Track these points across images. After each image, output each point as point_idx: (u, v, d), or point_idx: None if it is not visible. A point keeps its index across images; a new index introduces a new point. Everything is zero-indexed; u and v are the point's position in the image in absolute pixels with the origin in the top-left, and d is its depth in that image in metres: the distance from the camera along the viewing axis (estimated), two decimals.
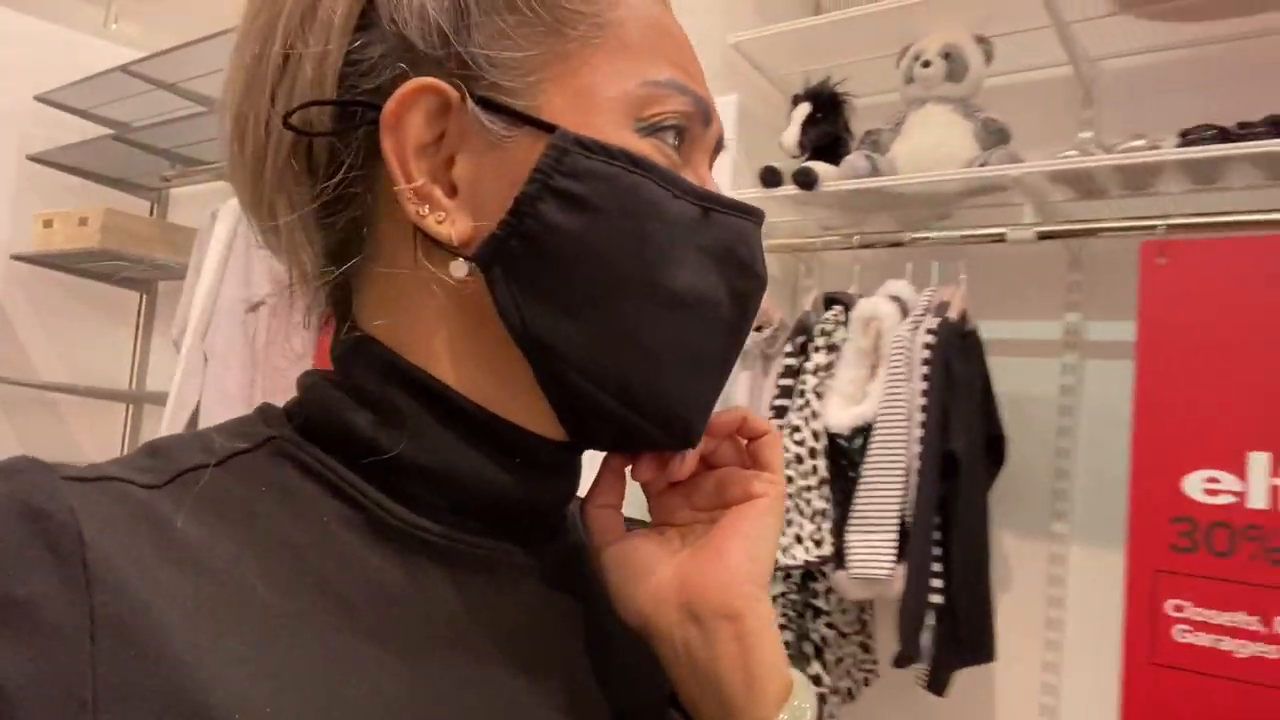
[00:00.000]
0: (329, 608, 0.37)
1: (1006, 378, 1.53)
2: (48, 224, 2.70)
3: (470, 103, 0.40)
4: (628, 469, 0.47)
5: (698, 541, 0.45)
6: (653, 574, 0.44)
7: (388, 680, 0.37)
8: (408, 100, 0.39)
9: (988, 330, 1.48)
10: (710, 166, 0.47)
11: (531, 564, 0.44)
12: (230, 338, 1.97)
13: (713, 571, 0.43)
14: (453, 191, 0.41)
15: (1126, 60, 1.56)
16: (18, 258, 2.78)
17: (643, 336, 0.40)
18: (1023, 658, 1.58)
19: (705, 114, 0.43)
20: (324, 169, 0.41)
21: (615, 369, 0.40)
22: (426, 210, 0.40)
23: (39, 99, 2.75)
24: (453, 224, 0.40)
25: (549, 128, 0.40)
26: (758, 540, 0.44)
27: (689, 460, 0.46)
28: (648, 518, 0.49)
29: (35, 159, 2.80)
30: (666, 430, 0.42)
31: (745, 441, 0.48)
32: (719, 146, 0.47)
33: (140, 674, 0.31)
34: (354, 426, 0.41)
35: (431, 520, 0.41)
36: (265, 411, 0.43)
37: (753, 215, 0.45)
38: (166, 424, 2.00)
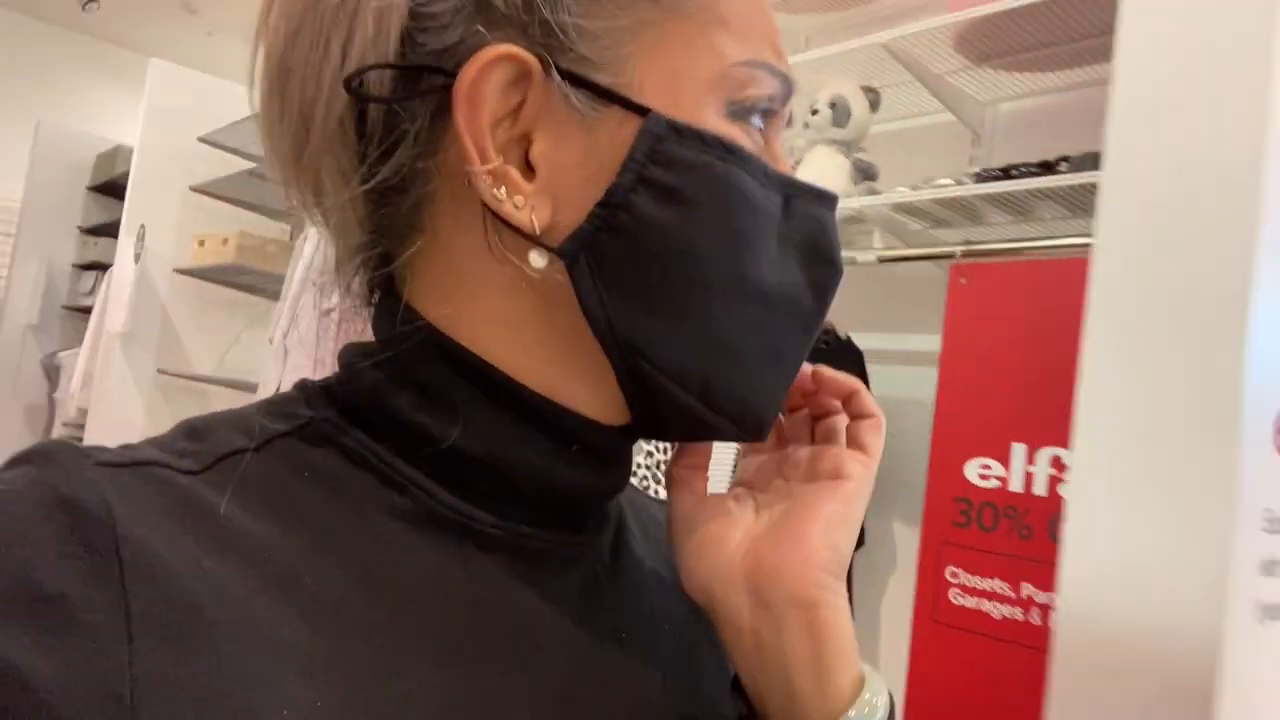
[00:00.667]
0: (377, 598, 0.35)
1: (879, 383, 1.74)
2: (201, 243, 3.32)
3: (555, 75, 0.36)
4: None
5: (775, 517, 0.43)
6: (723, 548, 0.42)
7: (439, 674, 0.35)
8: (486, 68, 0.36)
9: (863, 341, 1.71)
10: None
11: (585, 554, 0.43)
12: (306, 336, 2.43)
13: (788, 554, 0.40)
14: (530, 173, 0.37)
15: (1014, 103, 1.74)
16: (179, 271, 3.41)
17: (730, 337, 0.38)
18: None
19: (789, 95, 0.41)
20: (379, 137, 0.38)
21: (699, 369, 0.38)
22: (504, 193, 0.37)
23: (201, 140, 3.37)
24: (533, 210, 0.37)
25: (641, 110, 0.37)
26: (839, 525, 0.41)
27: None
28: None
29: (196, 189, 3.43)
30: (739, 425, 0.40)
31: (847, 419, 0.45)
32: (787, 125, 0.44)
33: (182, 669, 0.30)
34: (405, 414, 0.38)
35: (483, 509, 0.39)
36: (305, 389, 0.41)
37: (830, 201, 0.42)
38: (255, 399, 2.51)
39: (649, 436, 0.43)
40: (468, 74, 0.36)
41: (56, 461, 0.33)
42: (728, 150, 0.37)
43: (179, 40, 5.71)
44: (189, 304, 3.54)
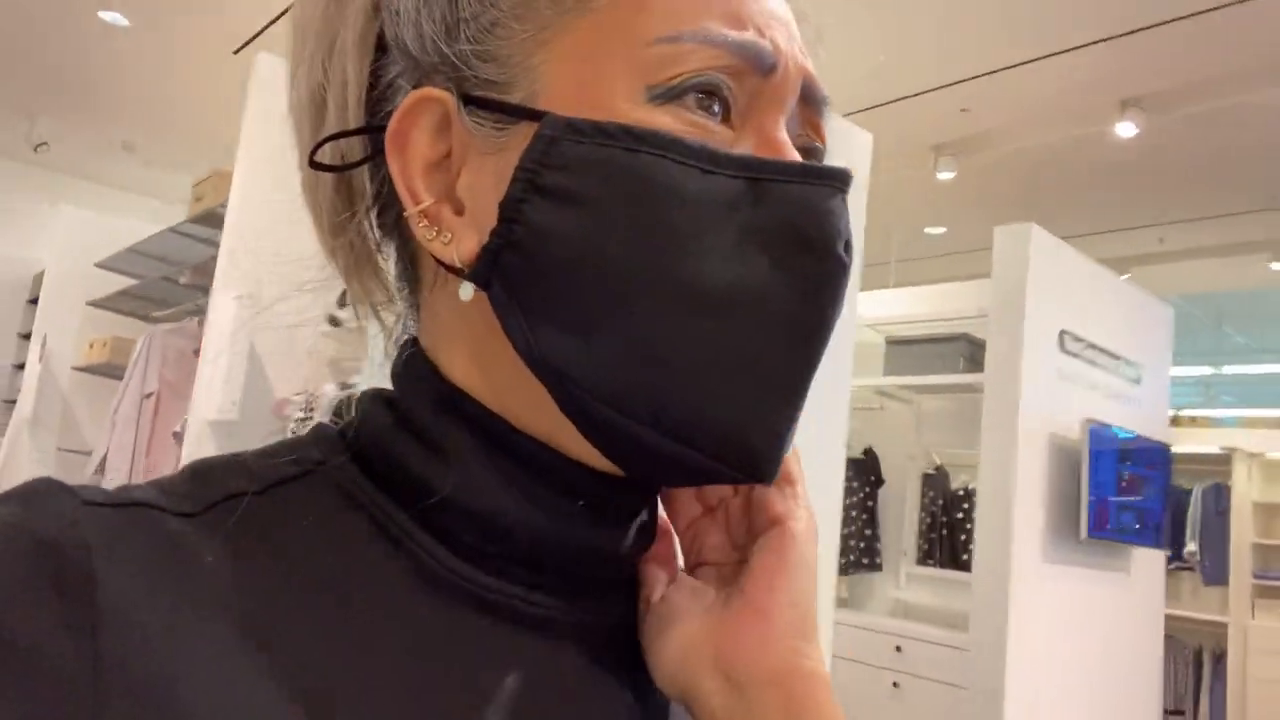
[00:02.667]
0: (361, 661, 0.34)
1: None
2: (90, 346, 4.20)
3: (464, 106, 0.36)
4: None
5: (730, 588, 0.39)
6: (686, 633, 0.38)
7: None
8: (408, 116, 0.37)
9: None
10: (814, 124, 0.40)
11: (589, 623, 0.39)
12: (128, 413, 3.27)
13: (749, 627, 0.37)
14: (461, 209, 0.37)
15: None
16: (75, 368, 4.30)
17: (670, 350, 0.34)
18: None
19: (760, 63, 0.36)
20: (369, 199, 0.39)
21: (642, 392, 0.34)
22: (434, 233, 0.37)
23: (98, 265, 4.26)
24: (457, 244, 0.36)
25: (538, 115, 0.35)
26: (794, 578, 0.38)
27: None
28: None
29: (91, 304, 4.32)
30: (723, 460, 0.35)
31: None
32: (814, 100, 0.39)
33: (130, 714, 0.29)
34: (404, 462, 0.37)
35: (481, 569, 0.37)
36: (319, 432, 0.40)
37: (830, 179, 0.36)
38: (91, 464, 3.33)
39: (651, 485, 0.40)
40: (392, 123, 0.36)
41: (40, 500, 0.32)
42: (637, 139, 0.34)
43: (119, 171, 6.75)
44: (84, 393, 4.41)
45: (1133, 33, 3.83)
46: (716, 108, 0.36)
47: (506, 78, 0.37)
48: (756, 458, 0.36)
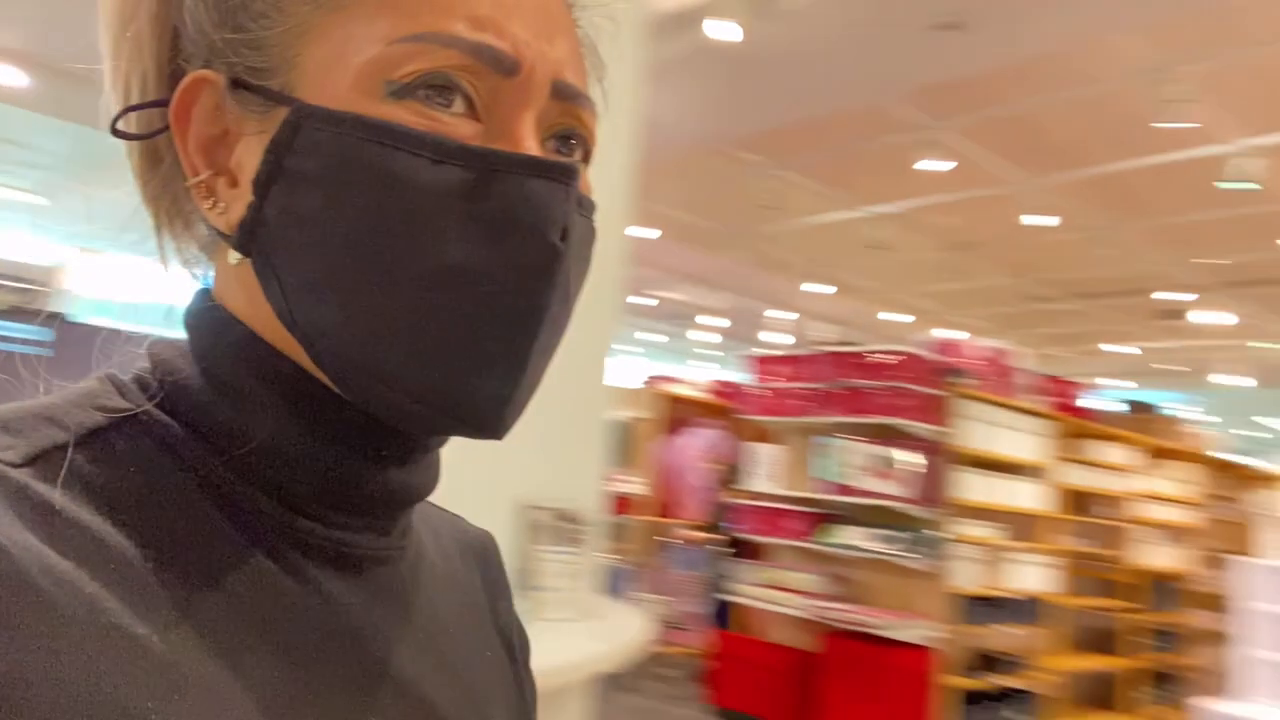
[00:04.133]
0: (213, 594, 0.36)
1: None
2: None
3: (232, 88, 0.40)
4: None
5: None
6: None
7: (275, 664, 0.37)
8: (186, 95, 0.40)
9: None
10: (575, 114, 0.42)
11: (386, 555, 0.44)
12: None
13: None
14: (235, 182, 0.40)
15: None
16: None
17: (401, 321, 0.38)
18: None
19: (498, 64, 0.39)
20: (168, 165, 0.43)
21: (379, 356, 0.38)
22: (211, 203, 0.40)
23: None
24: (222, 213, 0.40)
25: (289, 102, 0.39)
26: None
27: None
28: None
29: None
30: (455, 417, 0.39)
31: None
32: (568, 96, 0.42)
33: (30, 664, 0.30)
34: (214, 412, 0.40)
35: (299, 512, 0.40)
36: (115, 381, 0.41)
37: (552, 173, 0.39)
38: None
39: (431, 436, 0.43)
40: (173, 101, 0.40)
41: None
42: (370, 130, 0.37)
43: None
44: None
45: None
46: (457, 104, 0.39)
47: (269, 65, 0.40)
48: (483, 417, 0.40)
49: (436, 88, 0.39)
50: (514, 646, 0.55)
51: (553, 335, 0.41)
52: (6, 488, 0.34)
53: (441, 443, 0.45)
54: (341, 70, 0.39)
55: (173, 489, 0.38)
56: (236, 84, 0.40)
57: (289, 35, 0.40)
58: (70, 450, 0.36)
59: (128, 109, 0.43)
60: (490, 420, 0.40)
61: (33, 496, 0.34)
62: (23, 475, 0.34)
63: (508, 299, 0.38)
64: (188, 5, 0.41)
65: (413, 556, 0.47)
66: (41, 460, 0.35)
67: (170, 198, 0.45)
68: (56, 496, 0.35)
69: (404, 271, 0.38)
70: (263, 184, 0.39)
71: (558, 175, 0.39)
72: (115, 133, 0.42)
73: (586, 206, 0.43)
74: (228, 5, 0.41)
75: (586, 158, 0.45)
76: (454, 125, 0.39)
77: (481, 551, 0.57)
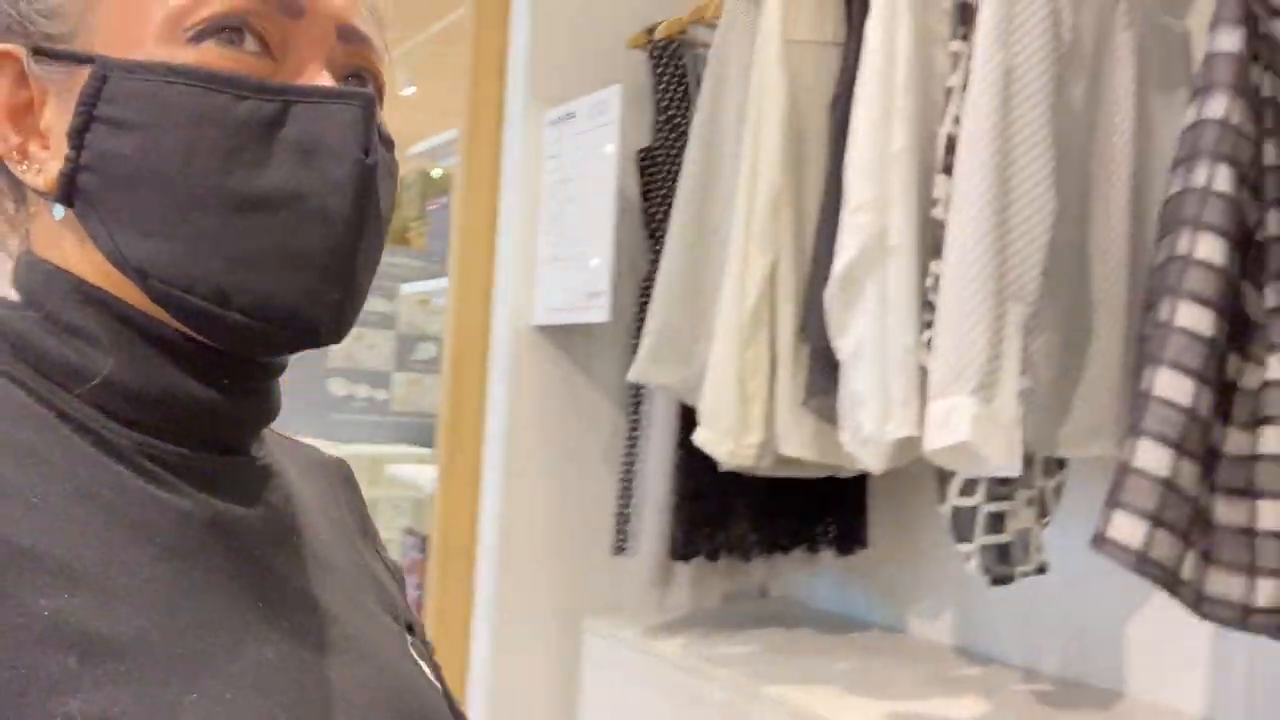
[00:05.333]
0: (93, 506, 0.39)
1: None
2: None
3: (28, 58, 0.43)
4: None
5: None
6: None
7: (162, 566, 0.40)
8: None
9: None
10: (362, 54, 0.47)
11: (238, 470, 0.47)
12: None
13: None
14: (47, 144, 0.44)
15: None
16: None
17: (225, 244, 0.41)
18: None
19: (285, 8, 0.43)
20: None
21: (209, 279, 0.41)
22: (25, 166, 0.44)
23: None
24: (39, 173, 0.43)
25: (92, 59, 0.42)
26: None
27: None
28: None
29: None
30: (291, 326, 0.43)
31: None
32: (354, 38, 0.47)
33: None
34: (54, 351, 0.42)
35: (146, 434, 0.43)
36: None
37: (348, 99, 0.44)
38: None
39: (242, 355, 0.46)
40: None
41: None
42: (172, 72, 0.41)
43: None
44: None
45: None
46: (249, 43, 0.43)
47: (67, 30, 0.43)
48: (320, 323, 0.43)
49: (231, 29, 0.43)
50: (380, 550, 0.62)
51: (372, 248, 0.45)
52: None
53: (278, 369, 0.49)
54: (137, 23, 0.42)
55: (34, 420, 0.41)
56: (38, 52, 0.43)
57: (80, 2, 0.43)
58: None
59: None
60: (328, 325, 0.43)
61: None
62: None
63: (325, 211, 0.42)
64: None
65: (272, 472, 0.50)
66: None
67: None
68: None
69: (224, 200, 0.41)
70: (77, 134, 0.42)
71: (353, 100, 0.44)
72: None
73: (386, 139, 0.47)
74: None
75: (379, 96, 0.49)
76: (250, 63, 0.43)
77: (338, 472, 0.63)
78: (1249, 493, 0.81)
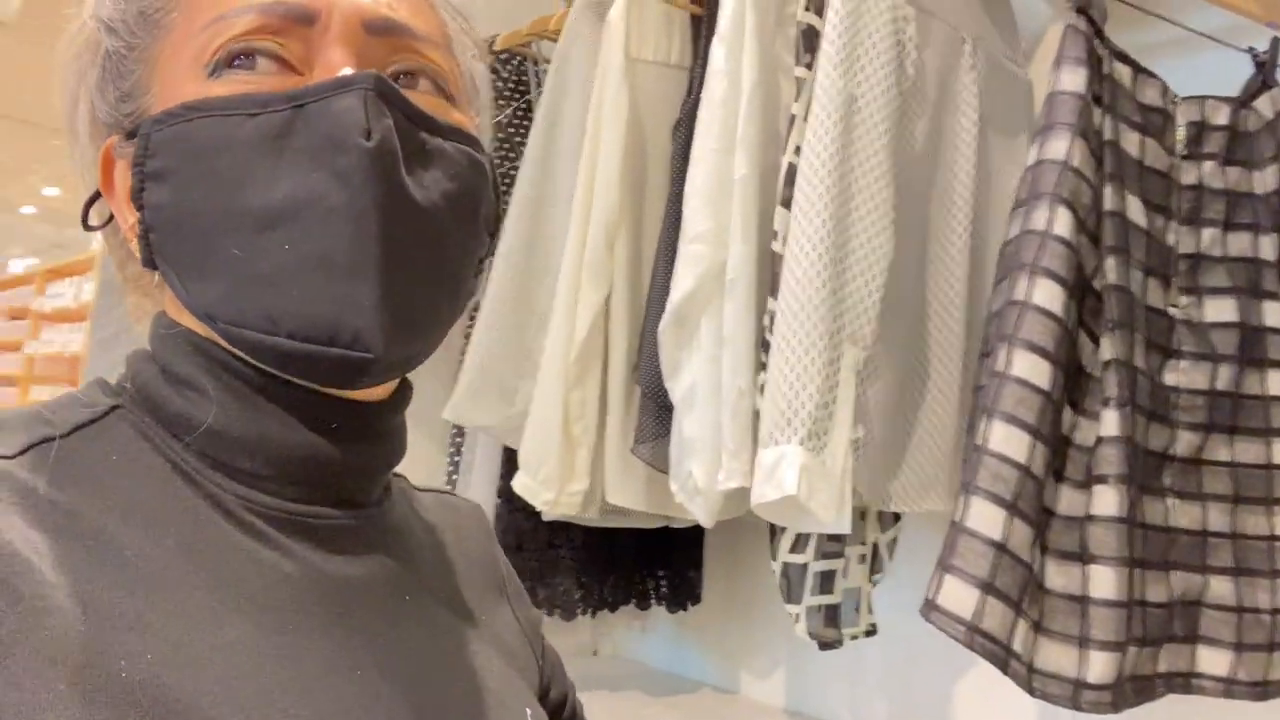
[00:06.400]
0: (193, 565, 0.39)
1: None
2: None
3: (119, 143, 0.45)
4: None
5: None
6: None
7: (256, 631, 0.39)
8: (105, 166, 0.46)
9: None
10: (404, 47, 0.44)
11: (357, 526, 0.45)
12: None
13: None
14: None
15: None
16: None
17: (259, 267, 0.40)
18: None
19: (297, 16, 0.42)
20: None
21: (255, 307, 0.40)
22: (135, 243, 0.44)
23: None
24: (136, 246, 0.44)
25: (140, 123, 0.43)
26: None
27: None
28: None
29: None
30: (332, 343, 0.40)
31: None
32: (386, 30, 0.44)
33: (25, 627, 0.33)
34: (166, 402, 0.43)
35: (256, 489, 0.42)
36: (101, 384, 0.45)
37: (349, 84, 0.41)
38: None
39: (341, 402, 0.44)
40: (99, 177, 0.46)
41: None
42: (191, 109, 0.41)
43: None
44: None
45: None
46: (263, 64, 0.42)
47: (143, 107, 0.44)
48: (360, 333, 0.40)
49: (243, 54, 0.42)
50: (515, 606, 0.59)
51: (412, 241, 0.41)
52: None
53: (391, 409, 0.47)
54: (172, 76, 0.43)
55: (149, 470, 0.41)
56: (129, 136, 0.44)
57: (145, 76, 0.44)
58: (56, 442, 0.40)
59: (90, 201, 0.47)
60: (373, 334, 0.40)
61: (16, 482, 0.37)
62: (7, 465, 0.38)
63: (339, 208, 0.40)
64: (94, 93, 0.46)
65: (393, 525, 0.49)
66: (31, 452, 0.39)
67: (134, 261, 0.47)
68: (41, 481, 0.38)
69: (248, 222, 0.40)
70: (136, 195, 0.43)
71: (353, 84, 0.41)
72: (86, 226, 0.47)
73: (432, 124, 0.44)
74: (113, 73, 0.45)
75: (443, 89, 0.46)
76: (271, 82, 0.42)
77: (473, 521, 0.60)
78: (1081, 557, 0.76)
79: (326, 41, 0.42)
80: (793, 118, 0.97)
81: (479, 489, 1.28)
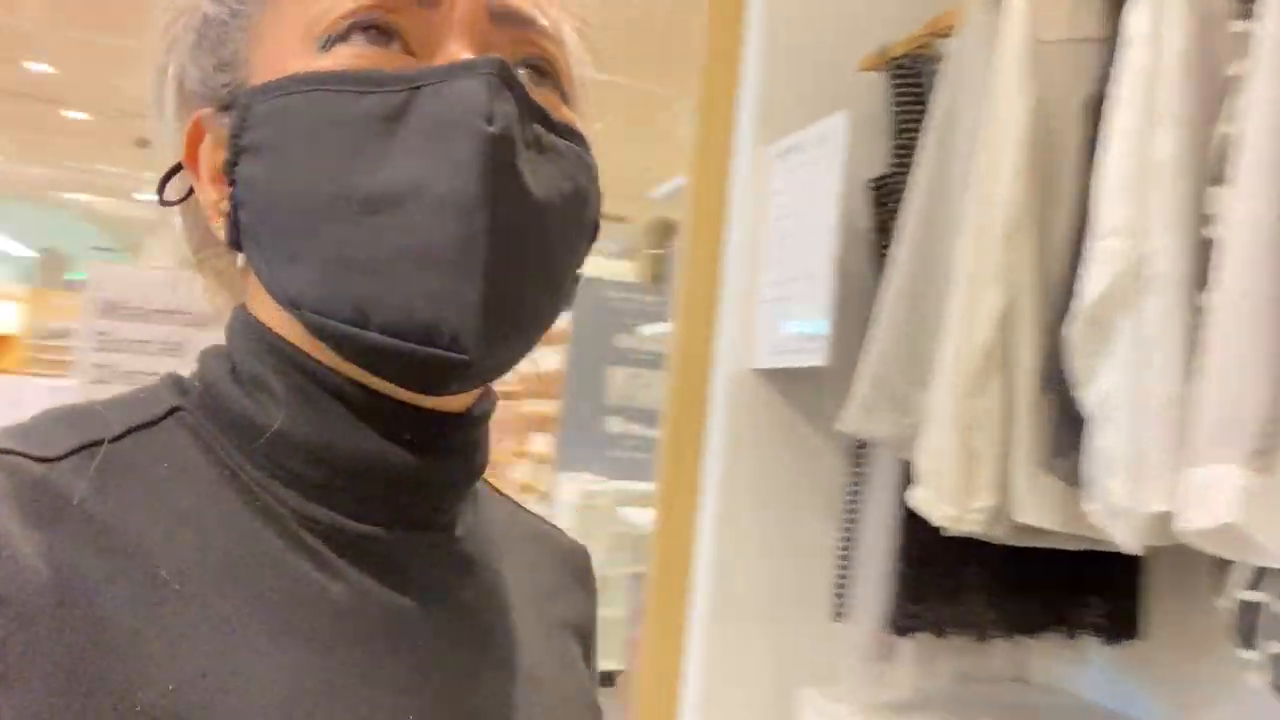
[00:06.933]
0: (230, 585, 0.37)
1: None
2: None
3: (211, 115, 0.42)
4: None
5: None
6: None
7: (287, 657, 0.37)
8: (192, 139, 0.43)
9: None
10: (525, 38, 0.42)
11: (423, 551, 0.43)
12: None
13: None
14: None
15: None
16: None
17: (355, 254, 0.37)
18: None
19: None
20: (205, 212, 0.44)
21: (345, 297, 0.38)
22: (219, 222, 0.42)
23: None
24: (221, 225, 0.42)
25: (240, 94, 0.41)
26: None
27: None
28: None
29: None
30: (422, 340, 0.37)
31: None
32: (510, 19, 0.42)
33: (43, 646, 0.32)
34: (231, 404, 0.41)
35: (316, 503, 0.40)
36: (174, 380, 0.43)
37: (472, 68, 0.39)
38: None
39: (418, 412, 0.41)
40: (184, 150, 0.44)
41: None
42: (298, 82, 0.39)
43: None
44: None
45: None
46: (383, 40, 0.40)
47: (240, 78, 0.42)
48: (460, 334, 0.37)
49: (358, 28, 0.40)
50: (590, 663, 0.54)
51: (521, 238, 0.39)
52: (21, 480, 0.35)
53: (472, 422, 0.43)
54: (277, 48, 0.41)
55: (201, 479, 0.39)
56: (223, 108, 0.42)
57: (245, 46, 0.42)
58: (105, 445, 0.38)
59: (168, 175, 0.45)
60: (469, 334, 0.37)
61: (48, 489, 0.35)
62: (46, 469, 0.36)
63: (450, 195, 0.37)
64: (186, 60, 0.44)
65: (464, 553, 0.45)
66: (80, 454, 0.37)
67: (216, 245, 0.46)
68: (80, 488, 0.36)
69: (349, 204, 0.38)
70: (229, 169, 0.41)
71: (477, 68, 0.39)
72: (162, 201, 0.45)
73: (549, 120, 0.42)
74: (212, 40, 0.43)
75: (558, 86, 0.44)
76: (382, 59, 0.40)
77: (573, 564, 0.56)
78: None
79: (448, 26, 0.40)
80: (1230, 80, 0.83)
81: (881, 500, 1.26)
